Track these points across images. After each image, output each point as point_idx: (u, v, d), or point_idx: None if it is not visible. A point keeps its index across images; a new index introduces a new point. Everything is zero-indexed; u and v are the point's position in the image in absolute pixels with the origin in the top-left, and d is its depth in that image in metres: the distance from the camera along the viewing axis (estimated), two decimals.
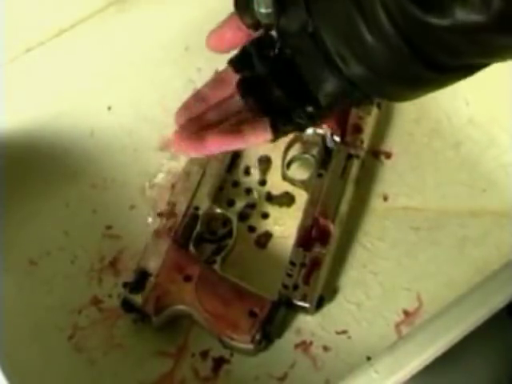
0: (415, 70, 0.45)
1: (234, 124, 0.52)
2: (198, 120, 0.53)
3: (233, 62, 0.52)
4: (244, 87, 0.51)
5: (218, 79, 0.55)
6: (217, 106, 0.53)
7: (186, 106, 0.54)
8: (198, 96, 0.54)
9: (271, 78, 0.50)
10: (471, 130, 0.69)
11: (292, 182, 0.67)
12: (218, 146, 0.51)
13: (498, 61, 0.44)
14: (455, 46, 0.42)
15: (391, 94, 0.49)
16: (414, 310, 0.62)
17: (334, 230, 0.63)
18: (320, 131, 0.66)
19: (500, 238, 0.64)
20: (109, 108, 0.72)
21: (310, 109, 0.50)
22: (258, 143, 0.52)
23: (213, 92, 0.54)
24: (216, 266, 0.61)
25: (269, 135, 0.51)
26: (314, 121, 0.51)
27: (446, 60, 0.44)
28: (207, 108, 0.54)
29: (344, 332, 0.61)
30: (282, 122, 0.51)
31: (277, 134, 0.51)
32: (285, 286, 0.61)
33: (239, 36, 0.53)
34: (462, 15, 0.40)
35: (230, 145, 0.52)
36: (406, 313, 0.62)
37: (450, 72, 0.45)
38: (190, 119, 0.53)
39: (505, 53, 0.43)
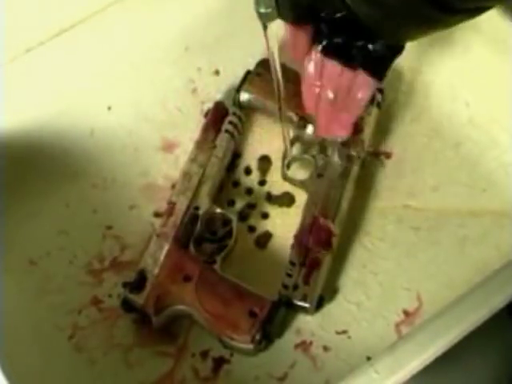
0: (426, 11, 0.46)
1: None
2: None
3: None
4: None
5: None
6: None
7: None
8: None
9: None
10: (471, 130, 0.69)
11: (292, 182, 0.67)
12: None
13: (504, 2, 0.45)
14: None
15: (397, 34, 0.51)
16: (414, 310, 0.62)
17: (334, 229, 0.63)
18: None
19: (500, 237, 0.64)
20: (109, 108, 0.72)
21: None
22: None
23: None
24: (216, 266, 0.61)
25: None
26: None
27: (456, 2, 0.45)
28: None
29: (344, 332, 0.61)
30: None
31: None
32: (285, 286, 0.61)
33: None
34: None
35: None
36: (406, 313, 0.62)
37: (459, 13, 0.46)
38: None
39: None
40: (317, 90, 0.59)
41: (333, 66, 0.57)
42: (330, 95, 0.59)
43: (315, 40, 0.56)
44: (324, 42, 0.56)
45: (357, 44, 0.54)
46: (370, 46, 0.54)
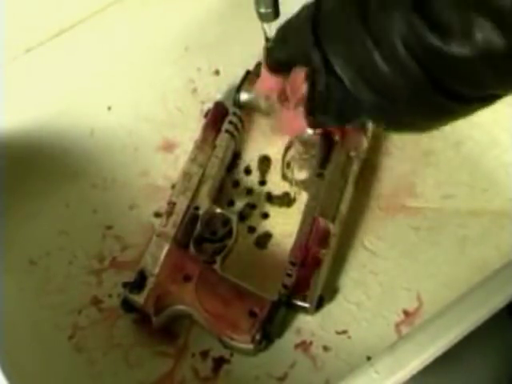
0: (436, 100, 0.44)
1: None
2: None
3: None
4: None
5: None
6: None
7: None
8: None
9: None
10: (472, 130, 0.69)
11: (292, 182, 0.67)
12: None
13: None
14: (477, 76, 0.42)
15: (408, 124, 0.49)
16: (414, 310, 0.62)
17: (334, 229, 0.63)
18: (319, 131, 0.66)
19: (500, 237, 0.64)
20: (109, 108, 0.72)
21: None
22: None
23: None
24: (216, 266, 0.61)
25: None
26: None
27: (468, 91, 0.43)
28: None
29: (344, 332, 0.61)
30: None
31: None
32: (285, 286, 0.61)
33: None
34: (484, 42, 0.39)
35: None
36: (406, 313, 0.62)
37: (473, 102, 0.45)
38: None
39: None
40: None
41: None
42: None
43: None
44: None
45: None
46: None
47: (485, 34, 0.39)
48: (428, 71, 0.42)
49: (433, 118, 0.47)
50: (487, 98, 0.45)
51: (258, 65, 0.69)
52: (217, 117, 0.68)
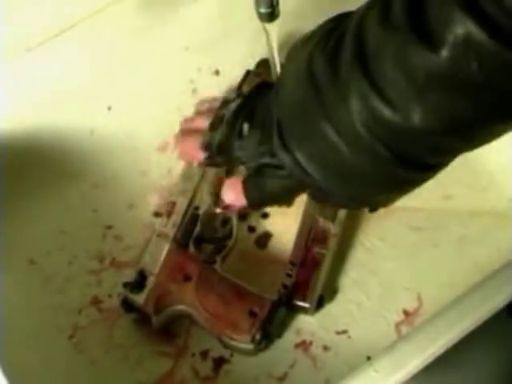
0: (404, 175, 0.44)
1: None
2: None
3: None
4: None
5: None
6: None
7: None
8: None
9: None
10: None
11: None
12: None
13: (478, 147, 0.43)
14: (432, 146, 0.42)
15: (379, 202, 0.49)
16: (414, 310, 0.62)
17: (334, 229, 0.63)
18: None
19: (500, 237, 0.64)
20: (109, 108, 0.72)
21: None
22: None
23: None
24: (216, 266, 0.61)
25: None
26: None
27: (431, 159, 0.44)
28: None
29: (344, 332, 0.61)
30: None
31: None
32: (285, 286, 0.61)
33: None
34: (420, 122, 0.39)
35: None
36: (406, 313, 0.62)
37: (432, 169, 0.45)
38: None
39: (484, 140, 0.42)
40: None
41: None
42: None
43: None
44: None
45: None
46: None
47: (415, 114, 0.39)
48: (393, 149, 0.42)
49: (401, 192, 0.47)
50: (444, 164, 0.45)
51: (258, 65, 0.69)
52: None
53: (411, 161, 0.43)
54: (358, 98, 0.41)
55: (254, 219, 0.66)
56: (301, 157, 0.46)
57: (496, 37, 0.34)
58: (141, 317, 0.61)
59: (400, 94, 0.39)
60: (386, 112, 0.40)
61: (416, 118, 0.39)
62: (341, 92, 0.42)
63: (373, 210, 0.56)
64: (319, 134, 0.44)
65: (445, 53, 0.36)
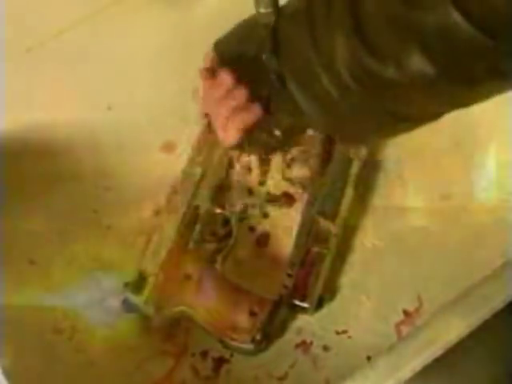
0: (382, 120, 0.45)
1: None
2: None
3: None
4: None
5: None
6: None
7: None
8: None
9: None
10: (472, 130, 0.69)
11: (292, 182, 0.67)
12: None
13: (454, 109, 0.44)
14: (416, 99, 0.43)
15: (353, 136, 0.51)
16: (414, 309, 0.62)
17: (334, 229, 0.63)
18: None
19: (500, 238, 0.64)
20: (109, 108, 0.71)
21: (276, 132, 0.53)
22: None
23: None
24: (216, 266, 0.61)
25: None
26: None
27: (410, 112, 0.45)
28: None
29: (344, 332, 0.61)
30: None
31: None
32: (285, 286, 0.61)
33: None
34: (416, 70, 0.40)
35: None
36: (406, 313, 0.62)
37: (417, 120, 0.46)
38: None
39: (458, 102, 0.43)
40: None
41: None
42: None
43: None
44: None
45: None
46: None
47: (415, 61, 0.40)
48: (372, 94, 0.43)
49: (378, 133, 0.50)
50: (428, 116, 0.46)
51: None
52: None
53: (385, 106, 0.44)
54: (343, 36, 0.43)
55: (254, 219, 0.66)
56: (287, 73, 0.48)
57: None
58: (141, 317, 0.61)
59: (384, 43, 0.41)
60: (368, 59, 0.42)
61: (391, 69, 0.41)
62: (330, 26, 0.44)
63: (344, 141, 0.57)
64: (307, 61, 0.46)
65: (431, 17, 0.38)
